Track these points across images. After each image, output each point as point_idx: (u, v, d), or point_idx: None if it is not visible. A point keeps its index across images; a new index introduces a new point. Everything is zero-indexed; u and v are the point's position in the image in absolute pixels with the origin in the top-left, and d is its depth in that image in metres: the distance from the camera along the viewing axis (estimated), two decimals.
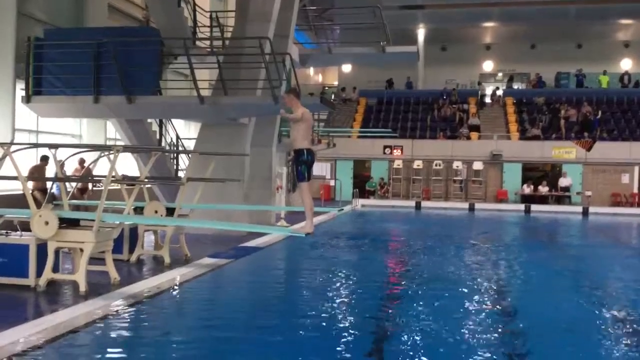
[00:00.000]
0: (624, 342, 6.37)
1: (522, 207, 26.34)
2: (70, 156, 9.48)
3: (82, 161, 14.16)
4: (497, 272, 10.98)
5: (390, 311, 7.70)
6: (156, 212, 9.99)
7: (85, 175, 11.46)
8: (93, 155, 10.70)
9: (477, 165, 28.40)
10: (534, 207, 26.12)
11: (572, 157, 27.86)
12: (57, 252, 7.66)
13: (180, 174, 16.32)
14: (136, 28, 16.77)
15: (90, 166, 11.01)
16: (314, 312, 7.29)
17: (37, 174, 12.81)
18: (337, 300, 8.18)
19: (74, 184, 12.41)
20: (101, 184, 8.49)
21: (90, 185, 13.79)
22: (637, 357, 5.95)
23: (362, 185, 28.55)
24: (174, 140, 18.25)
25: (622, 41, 36.68)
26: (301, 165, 7.82)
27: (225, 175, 11.33)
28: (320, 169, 28.07)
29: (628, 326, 7.00)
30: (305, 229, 7.90)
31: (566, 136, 28.84)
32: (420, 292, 8.69)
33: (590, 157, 27.65)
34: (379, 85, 35.96)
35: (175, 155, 17.32)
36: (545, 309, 7.86)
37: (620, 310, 7.76)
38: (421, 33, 35.89)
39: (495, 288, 9.32)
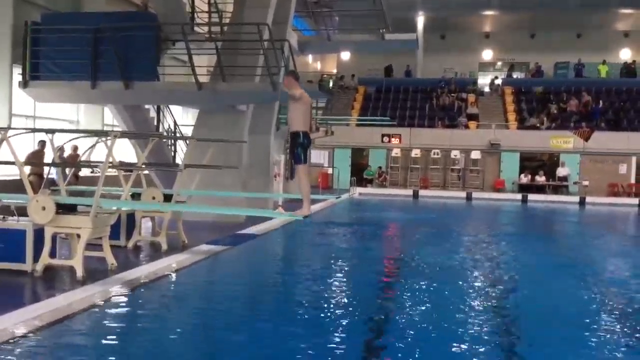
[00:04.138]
0: (619, 331, 6.40)
1: (519, 196, 26.37)
2: (67, 141, 9.45)
3: (75, 148, 14.14)
4: (493, 261, 11.00)
5: (386, 299, 7.72)
6: (153, 198, 9.98)
7: (79, 161, 11.43)
8: (90, 140, 10.67)
9: (475, 155, 28.41)
10: (531, 196, 26.14)
11: (570, 146, 27.87)
12: (54, 237, 7.66)
13: (178, 160, 16.29)
14: (134, 13, 16.63)
15: (81, 152, 10.97)
16: (310, 300, 7.31)
17: (34, 159, 12.77)
18: (334, 288, 8.20)
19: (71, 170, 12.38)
20: (98, 169, 8.46)
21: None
22: (632, 345, 5.97)
23: (360, 173, 28.55)
24: (172, 126, 18.21)
25: (622, 31, 36.55)
26: (297, 147, 7.78)
27: (223, 162, 11.31)
28: (318, 156, 28.05)
29: (623, 314, 7.03)
30: (303, 212, 7.87)
31: (564, 126, 28.85)
32: (415, 280, 8.70)
33: (588, 147, 27.66)
34: (378, 73, 35.85)
35: (173, 141, 17.28)
36: (541, 297, 7.89)
37: (615, 298, 7.80)
38: (420, 21, 35.73)
39: (491, 277, 9.35)
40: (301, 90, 7.84)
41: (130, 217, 9.82)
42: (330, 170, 28.32)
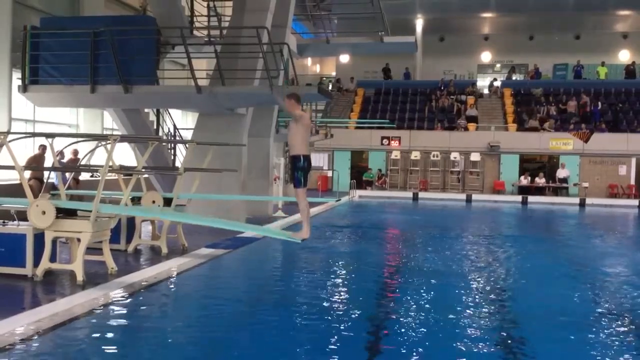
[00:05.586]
0: (615, 330, 6.40)
1: (519, 198, 26.37)
2: (67, 146, 9.45)
3: (75, 152, 14.15)
4: (493, 263, 11.01)
5: (386, 302, 7.72)
6: (153, 202, 9.97)
7: (79, 165, 11.43)
8: (90, 145, 10.66)
9: (475, 157, 28.40)
10: (531, 198, 26.15)
11: (569, 148, 27.88)
12: (54, 241, 7.66)
13: (178, 164, 16.29)
14: (133, 17, 16.69)
15: (81, 156, 10.98)
16: (310, 303, 7.30)
17: (35, 163, 12.78)
18: (334, 291, 8.19)
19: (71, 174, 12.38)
20: (98, 173, 8.45)
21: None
22: (627, 344, 5.98)
23: (359, 176, 28.55)
24: (171, 130, 18.22)
25: (621, 32, 36.57)
26: (298, 171, 7.76)
27: (222, 166, 11.31)
28: (317, 159, 28.06)
29: (620, 315, 7.03)
30: (302, 235, 7.84)
31: (564, 127, 28.87)
32: (416, 283, 8.71)
33: (588, 149, 27.67)
34: (377, 76, 35.88)
35: (172, 145, 17.29)
36: (540, 299, 7.89)
37: (613, 300, 7.80)
38: (419, 23, 35.78)
39: (491, 279, 9.34)
40: (302, 112, 7.81)
41: (131, 220, 9.82)
42: (329, 173, 28.33)
